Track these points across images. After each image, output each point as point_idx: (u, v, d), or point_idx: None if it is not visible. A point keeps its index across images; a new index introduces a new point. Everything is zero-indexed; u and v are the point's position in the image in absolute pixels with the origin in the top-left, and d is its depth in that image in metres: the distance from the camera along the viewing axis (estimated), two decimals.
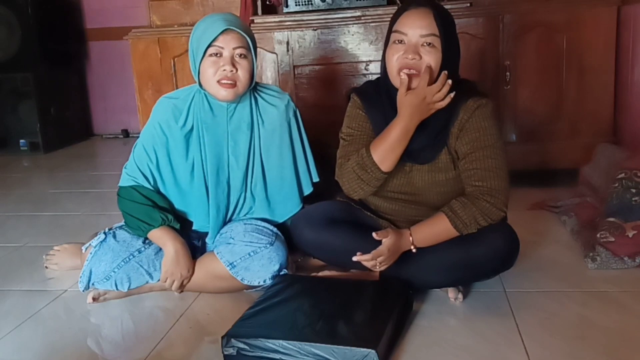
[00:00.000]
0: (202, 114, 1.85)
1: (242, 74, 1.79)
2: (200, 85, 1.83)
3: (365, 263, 1.65)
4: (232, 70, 1.77)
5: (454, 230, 1.61)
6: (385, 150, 1.64)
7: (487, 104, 1.67)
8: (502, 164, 1.64)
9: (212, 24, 1.78)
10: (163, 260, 1.82)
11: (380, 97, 1.75)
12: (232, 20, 1.80)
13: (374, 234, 1.63)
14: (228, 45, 1.77)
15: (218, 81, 1.78)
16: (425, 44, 1.61)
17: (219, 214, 1.90)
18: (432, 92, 1.60)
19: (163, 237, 1.82)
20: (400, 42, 1.64)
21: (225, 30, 1.75)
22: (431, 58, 1.61)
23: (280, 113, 1.92)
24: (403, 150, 1.65)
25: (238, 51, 1.78)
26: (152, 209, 1.83)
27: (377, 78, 1.80)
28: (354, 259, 1.64)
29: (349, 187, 1.73)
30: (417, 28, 1.61)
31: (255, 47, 1.83)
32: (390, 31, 1.68)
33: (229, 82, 1.77)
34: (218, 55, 1.77)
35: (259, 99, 1.92)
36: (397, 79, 1.64)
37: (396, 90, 1.66)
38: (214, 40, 1.75)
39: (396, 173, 1.73)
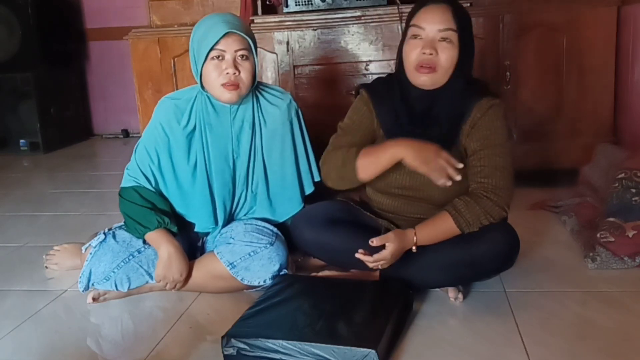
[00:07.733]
0: (206, 115, 1.85)
1: (244, 76, 1.79)
2: (202, 87, 1.83)
3: (366, 262, 1.65)
4: (235, 73, 1.77)
5: (456, 229, 1.61)
6: (370, 163, 1.68)
7: (500, 105, 1.69)
8: (508, 165, 1.66)
9: (213, 26, 1.77)
10: (157, 264, 1.81)
11: (391, 92, 1.75)
12: (232, 22, 1.79)
13: (372, 241, 1.61)
14: (230, 48, 1.77)
15: (221, 84, 1.78)
16: (442, 39, 1.62)
17: (224, 213, 1.90)
18: (445, 161, 1.58)
19: (158, 240, 1.82)
20: (418, 36, 1.65)
21: (227, 33, 1.75)
22: (447, 54, 1.62)
23: (282, 112, 1.92)
24: (385, 170, 1.68)
25: (240, 53, 1.78)
26: (149, 211, 1.83)
27: (389, 74, 1.81)
28: (357, 255, 1.64)
29: (327, 174, 1.80)
30: (434, 23, 1.62)
31: (256, 47, 1.83)
32: (407, 25, 1.69)
33: (233, 85, 1.78)
34: (220, 58, 1.77)
35: (261, 98, 1.92)
36: (414, 74, 1.66)
37: (411, 85, 1.68)
38: (215, 43, 1.75)
39: (399, 169, 1.73)
